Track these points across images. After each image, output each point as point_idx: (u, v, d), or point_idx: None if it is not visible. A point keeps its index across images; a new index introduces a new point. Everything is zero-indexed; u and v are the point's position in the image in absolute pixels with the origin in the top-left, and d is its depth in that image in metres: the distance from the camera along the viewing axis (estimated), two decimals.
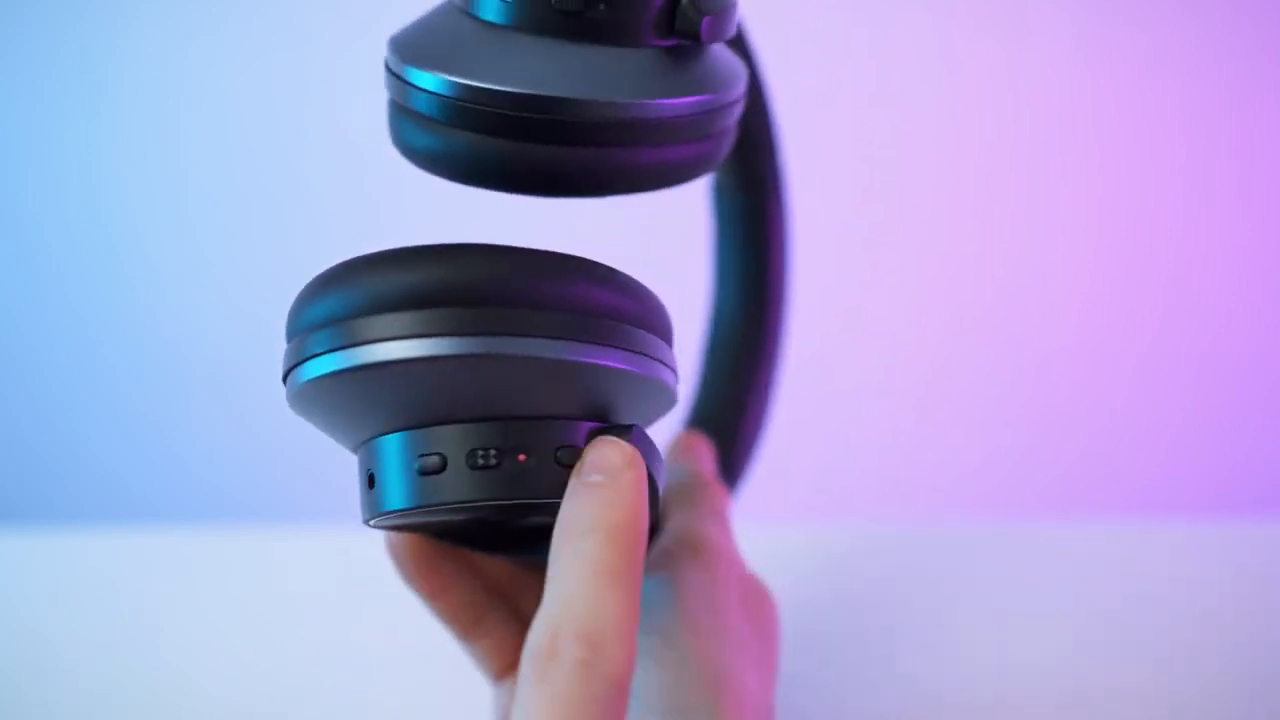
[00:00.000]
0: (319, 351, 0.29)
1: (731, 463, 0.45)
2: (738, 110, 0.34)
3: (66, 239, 1.03)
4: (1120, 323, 1.00)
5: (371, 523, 0.32)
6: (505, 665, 0.38)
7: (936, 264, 1.00)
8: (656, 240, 0.93)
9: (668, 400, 0.32)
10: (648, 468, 0.30)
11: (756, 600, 0.37)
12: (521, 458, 0.29)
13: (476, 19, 0.32)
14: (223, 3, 0.97)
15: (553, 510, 0.31)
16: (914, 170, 0.98)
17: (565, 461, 0.30)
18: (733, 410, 0.45)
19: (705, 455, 0.41)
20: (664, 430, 0.36)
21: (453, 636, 0.38)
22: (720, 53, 0.34)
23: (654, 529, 0.37)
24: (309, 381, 0.29)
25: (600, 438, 0.30)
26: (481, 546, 0.36)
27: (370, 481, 0.31)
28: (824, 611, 0.50)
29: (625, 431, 0.30)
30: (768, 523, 0.54)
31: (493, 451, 0.29)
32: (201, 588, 0.53)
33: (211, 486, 1.06)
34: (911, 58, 0.95)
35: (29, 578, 0.54)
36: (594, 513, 0.28)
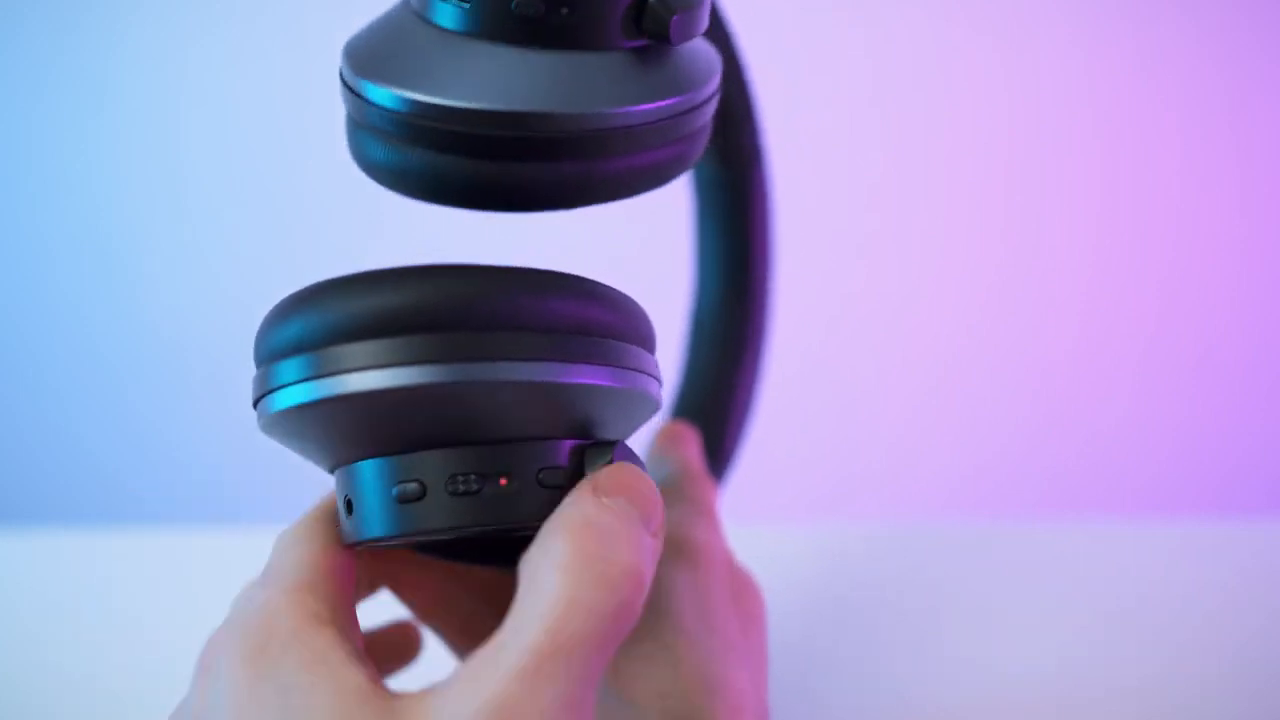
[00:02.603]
0: (288, 382, 0.28)
1: (719, 451, 0.44)
2: (712, 106, 0.32)
3: (66, 239, 1.03)
4: (1120, 323, 1.00)
5: (351, 547, 0.31)
6: None
7: (937, 265, 1.00)
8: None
9: (651, 408, 0.31)
10: None
11: (745, 595, 0.36)
12: (503, 481, 0.28)
13: (433, 25, 0.30)
14: (223, 3, 0.97)
15: (533, 532, 0.31)
16: (914, 171, 0.98)
17: (548, 483, 0.29)
18: (719, 397, 0.43)
19: (691, 446, 0.40)
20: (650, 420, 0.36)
21: (445, 645, 0.37)
22: (690, 47, 0.32)
23: None
24: (279, 412, 0.29)
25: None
26: (465, 559, 0.35)
27: (349, 507, 0.30)
28: (824, 612, 0.50)
29: (607, 449, 0.29)
30: (768, 523, 0.54)
31: (473, 476, 0.28)
32: (201, 588, 0.53)
33: (211, 487, 1.06)
34: (910, 59, 0.95)
35: (29, 578, 0.54)
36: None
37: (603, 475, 0.29)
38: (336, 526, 0.30)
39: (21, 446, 1.08)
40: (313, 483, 0.94)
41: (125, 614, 0.52)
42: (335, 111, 0.98)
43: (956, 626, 0.49)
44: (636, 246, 0.94)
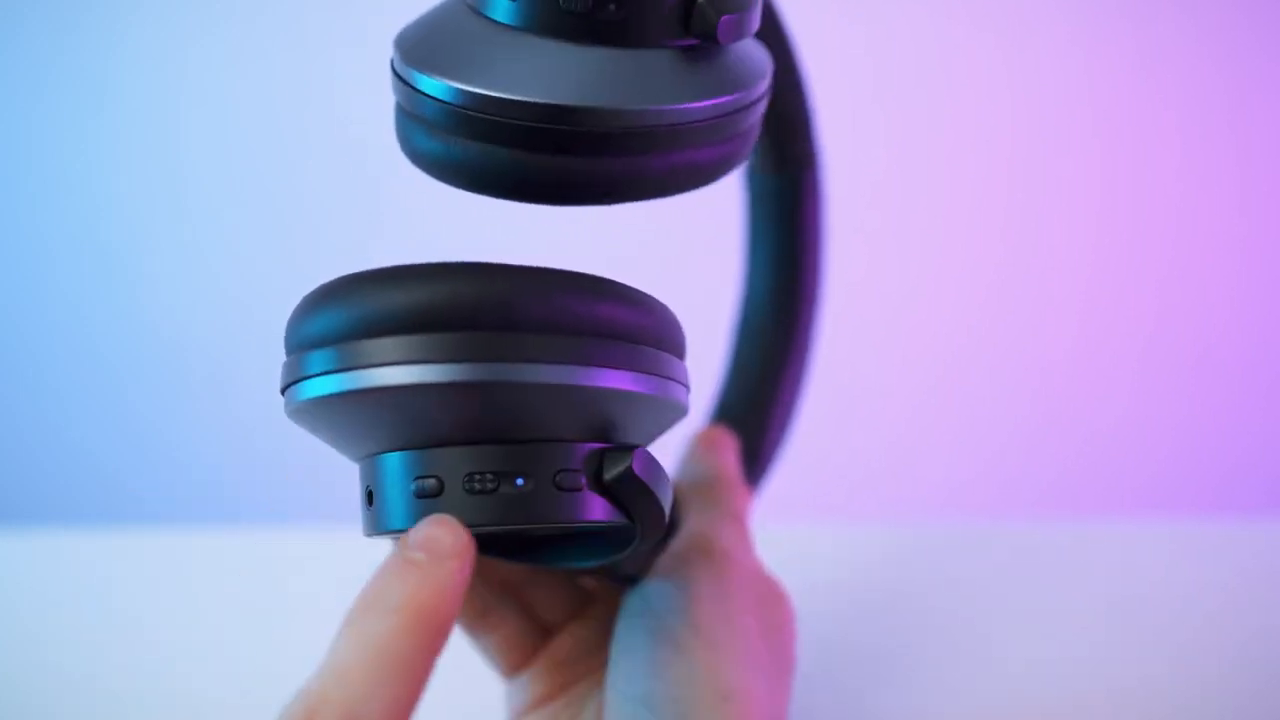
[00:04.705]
0: (317, 372, 0.29)
1: (756, 457, 0.44)
2: (761, 107, 0.32)
3: (66, 239, 1.03)
4: (1120, 323, 1.00)
5: (371, 537, 0.31)
6: (517, 661, 0.38)
7: (937, 265, 1.00)
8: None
9: (677, 414, 0.31)
10: (653, 490, 0.30)
11: (771, 603, 0.36)
12: (520, 482, 0.29)
13: (484, 18, 0.30)
14: (223, 3, 0.97)
15: (553, 529, 0.31)
16: (913, 170, 0.98)
17: (565, 485, 0.29)
18: (759, 404, 0.43)
19: (728, 451, 0.40)
20: (688, 422, 0.36)
21: (464, 634, 0.37)
22: (741, 46, 0.32)
23: (669, 532, 0.36)
24: (305, 401, 0.29)
25: (435, 516, 0.29)
26: (483, 551, 0.36)
27: (369, 498, 0.30)
28: (823, 613, 0.50)
29: (626, 454, 0.29)
30: (767, 524, 0.54)
31: (489, 475, 0.29)
32: (201, 588, 0.53)
33: (211, 488, 1.06)
34: (910, 58, 0.95)
35: (29, 578, 0.54)
36: (401, 593, 0.27)
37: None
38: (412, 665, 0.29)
39: (21, 446, 1.08)
40: (312, 483, 0.94)
41: (125, 614, 0.52)
42: (336, 111, 0.98)
43: (956, 626, 0.49)
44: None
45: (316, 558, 0.55)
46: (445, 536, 0.28)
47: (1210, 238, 0.98)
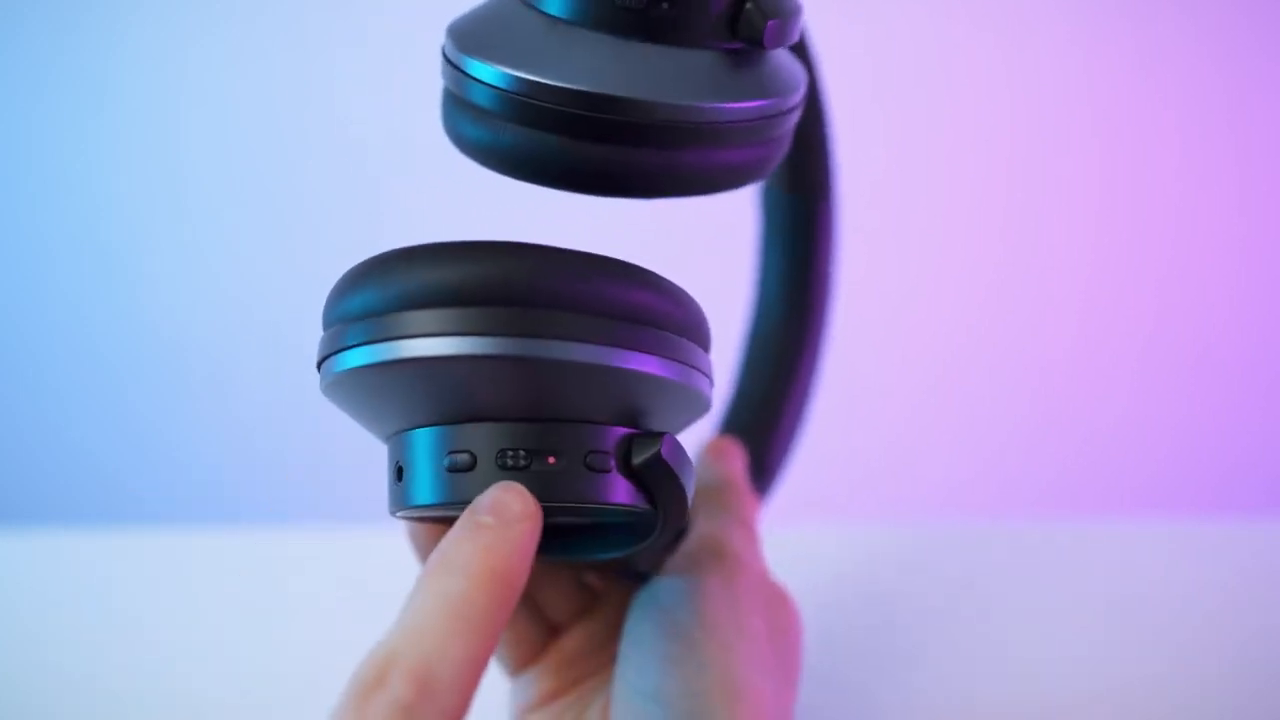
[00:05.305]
0: (355, 343, 0.29)
1: (764, 467, 0.45)
2: (795, 116, 0.33)
3: (66, 239, 1.03)
4: (1120, 323, 1.00)
5: (398, 515, 0.32)
6: (523, 659, 0.38)
7: (936, 264, 1.00)
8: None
9: (702, 407, 0.32)
10: (679, 476, 0.30)
11: (778, 608, 0.36)
12: (551, 460, 0.29)
13: (537, 11, 0.31)
14: (223, 3, 0.97)
15: (577, 514, 0.31)
16: (913, 169, 0.98)
17: (595, 466, 0.29)
18: (768, 415, 0.44)
19: (736, 460, 0.41)
20: (698, 431, 0.36)
21: None
22: (781, 56, 0.33)
23: (681, 533, 0.37)
24: (343, 372, 0.29)
25: (503, 482, 0.29)
26: None
27: (399, 474, 0.31)
28: (822, 613, 0.50)
29: (655, 439, 0.30)
30: (766, 525, 0.54)
31: (522, 453, 0.29)
32: (200, 588, 0.53)
33: (211, 487, 1.06)
34: (909, 57, 0.95)
35: (29, 578, 0.54)
36: (473, 554, 0.27)
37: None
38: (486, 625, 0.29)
39: (21, 446, 1.08)
40: (312, 483, 0.94)
41: (125, 614, 0.52)
42: (336, 111, 0.98)
43: (956, 626, 0.49)
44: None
45: (316, 558, 0.55)
46: (514, 502, 0.29)
47: (1210, 238, 0.98)
